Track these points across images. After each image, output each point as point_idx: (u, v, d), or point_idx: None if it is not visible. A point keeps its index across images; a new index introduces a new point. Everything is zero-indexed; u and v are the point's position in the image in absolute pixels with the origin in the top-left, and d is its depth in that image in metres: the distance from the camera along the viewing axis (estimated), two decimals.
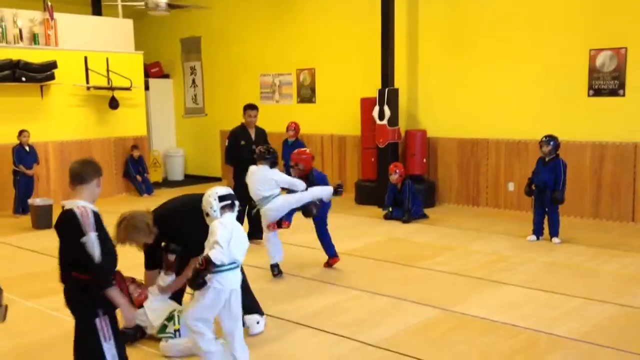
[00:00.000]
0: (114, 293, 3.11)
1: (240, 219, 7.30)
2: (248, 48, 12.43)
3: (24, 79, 9.77)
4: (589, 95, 8.47)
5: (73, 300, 3.16)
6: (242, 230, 3.88)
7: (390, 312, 5.07)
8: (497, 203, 9.41)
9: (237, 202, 3.90)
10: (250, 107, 7.59)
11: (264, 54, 12.21)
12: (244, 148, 7.35)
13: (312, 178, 6.21)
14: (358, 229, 8.32)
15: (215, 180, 12.48)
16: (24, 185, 9.43)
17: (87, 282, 3.06)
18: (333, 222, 8.96)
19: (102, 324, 3.13)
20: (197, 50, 13.47)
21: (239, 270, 3.79)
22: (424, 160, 9.84)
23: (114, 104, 11.03)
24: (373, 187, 9.91)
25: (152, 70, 13.52)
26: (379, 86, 9.73)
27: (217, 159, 12.87)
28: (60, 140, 10.53)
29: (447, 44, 9.71)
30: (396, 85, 9.78)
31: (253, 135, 7.52)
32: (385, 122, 9.59)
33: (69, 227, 3.06)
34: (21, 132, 9.39)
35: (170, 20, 13.20)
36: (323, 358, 4.17)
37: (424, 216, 8.76)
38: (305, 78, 11.72)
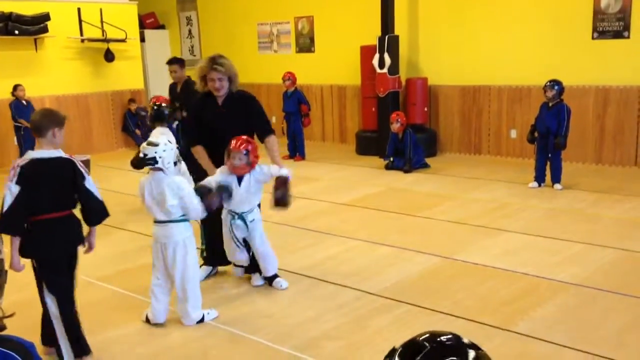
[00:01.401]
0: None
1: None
2: None
3: (17, 32, 9.56)
4: (593, 38, 8.28)
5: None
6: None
7: (391, 261, 5.09)
8: (499, 151, 9.34)
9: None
10: (169, 62, 7.06)
11: (261, 1, 11.91)
12: (175, 107, 6.99)
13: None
14: (359, 179, 8.30)
15: None
16: (29, 139, 9.33)
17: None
18: (334, 173, 9.00)
19: None
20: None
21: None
22: (425, 109, 9.72)
23: (109, 56, 10.84)
24: (374, 137, 9.83)
25: (147, 22, 13.24)
26: (379, 33, 9.52)
27: None
28: (56, 95, 10.40)
29: None
30: (396, 32, 9.56)
31: (178, 91, 7.10)
32: (385, 70, 9.43)
33: None
34: (16, 87, 9.20)
35: None
36: (325, 307, 4.20)
37: (426, 165, 8.72)
38: (303, 26, 11.47)
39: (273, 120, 11.98)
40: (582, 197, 6.86)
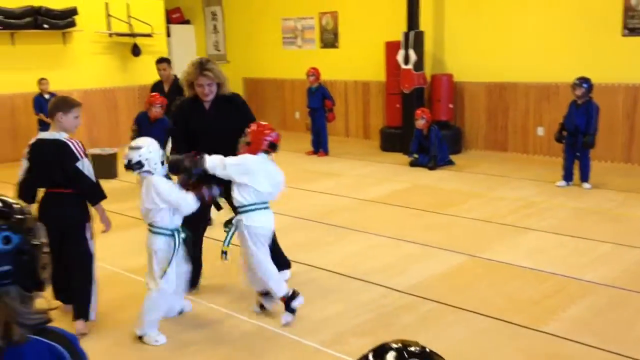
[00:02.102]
0: None
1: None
2: None
3: (46, 25, 9.69)
4: (623, 35, 8.13)
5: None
6: None
7: (416, 258, 5.07)
8: (525, 149, 9.23)
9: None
10: (158, 61, 7.37)
11: None
12: None
13: None
14: (383, 175, 8.27)
15: None
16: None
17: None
18: (358, 169, 8.99)
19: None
20: None
21: None
22: (450, 105, 9.65)
23: (136, 51, 10.94)
24: (398, 134, 9.78)
25: (173, 16, 13.30)
26: (404, 29, 9.46)
27: None
28: (84, 89, 10.51)
29: None
30: (422, 28, 9.49)
31: (167, 90, 7.32)
32: (410, 66, 9.37)
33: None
34: (40, 80, 9.19)
35: None
36: (351, 303, 4.21)
37: (451, 163, 8.65)
38: (328, 22, 11.45)
39: (297, 115, 12.06)
40: (610, 197, 6.76)
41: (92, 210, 3.91)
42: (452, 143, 9.29)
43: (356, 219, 6.27)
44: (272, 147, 3.78)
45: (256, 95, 12.84)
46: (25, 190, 3.81)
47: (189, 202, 3.66)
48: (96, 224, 3.97)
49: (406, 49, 9.35)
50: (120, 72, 11.06)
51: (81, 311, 3.84)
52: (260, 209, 3.77)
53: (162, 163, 3.71)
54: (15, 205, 1.37)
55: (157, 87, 7.42)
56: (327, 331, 3.81)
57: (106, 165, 8.08)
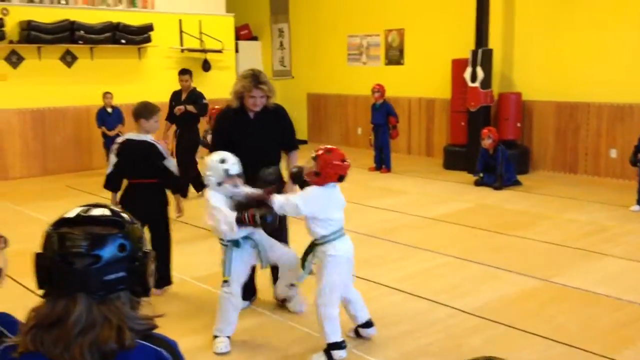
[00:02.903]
0: None
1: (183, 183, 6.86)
2: (336, 9, 12.29)
3: (123, 41, 10.14)
4: None
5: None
6: None
7: (484, 280, 4.98)
8: (596, 171, 8.93)
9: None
10: (182, 72, 8.19)
11: (352, 14, 12.04)
12: (172, 108, 7.93)
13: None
14: (447, 194, 8.18)
15: (300, 142, 12.58)
16: (109, 146, 9.81)
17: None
18: (421, 186, 8.91)
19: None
20: (285, 12, 13.47)
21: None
22: (518, 124, 9.46)
23: (206, 66, 11.29)
24: (462, 152, 9.66)
25: (242, 33, 13.65)
26: (472, 47, 9.37)
27: (302, 122, 12.93)
28: (158, 102, 10.87)
29: None
30: (490, 46, 9.39)
31: (183, 98, 8.01)
32: (477, 84, 9.27)
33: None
34: (105, 94, 9.56)
35: None
36: (418, 323, 4.17)
37: (517, 183, 8.47)
38: (393, 39, 11.48)
39: (359, 131, 12.10)
40: None
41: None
42: (519, 163, 9.09)
43: (420, 237, 6.22)
44: (340, 179, 3.63)
45: (319, 111, 12.98)
46: (112, 181, 4.58)
47: (225, 222, 3.62)
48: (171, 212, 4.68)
49: (474, 66, 9.25)
50: None
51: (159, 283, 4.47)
52: (341, 236, 3.66)
53: (219, 184, 3.69)
54: (126, 215, 1.45)
55: (176, 95, 8.12)
56: (394, 350, 3.79)
57: None
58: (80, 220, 1.40)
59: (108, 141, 9.72)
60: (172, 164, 4.51)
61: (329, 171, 3.54)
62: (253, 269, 4.17)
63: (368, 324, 3.90)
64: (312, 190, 3.60)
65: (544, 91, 9.33)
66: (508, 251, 5.70)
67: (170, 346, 1.43)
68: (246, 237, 3.81)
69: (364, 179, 9.14)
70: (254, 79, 4.07)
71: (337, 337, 3.62)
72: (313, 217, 3.59)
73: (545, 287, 4.78)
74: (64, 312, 1.34)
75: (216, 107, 7.35)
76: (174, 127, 8.07)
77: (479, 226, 6.52)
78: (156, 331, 1.44)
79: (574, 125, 9.12)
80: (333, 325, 3.61)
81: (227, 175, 3.69)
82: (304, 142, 12.57)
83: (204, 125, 8.27)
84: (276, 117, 4.28)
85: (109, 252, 1.35)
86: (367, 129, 10.76)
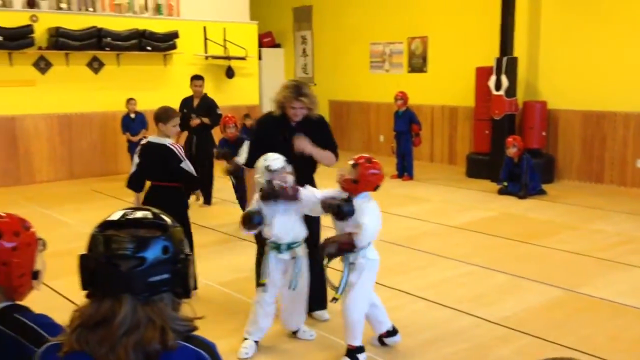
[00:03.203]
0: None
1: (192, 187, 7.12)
2: (359, 16, 12.33)
3: (149, 48, 10.29)
4: None
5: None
6: None
7: (509, 289, 4.94)
8: (623, 181, 8.81)
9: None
10: (195, 78, 8.04)
11: (375, 22, 12.06)
12: (185, 116, 7.63)
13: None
14: (470, 202, 8.13)
15: None
16: (133, 151, 9.92)
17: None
18: (444, 194, 8.87)
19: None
20: (308, 19, 13.55)
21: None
22: (543, 133, 9.38)
23: (230, 73, 11.39)
24: (485, 160, 9.61)
25: (265, 40, 13.77)
26: (496, 54, 9.33)
27: None
28: None
29: (575, 6, 9.07)
30: (515, 54, 9.34)
31: (195, 105, 7.90)
32: (502, 92, 9.22)
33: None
34: (128, 100, 9.67)
35: None
36: (443, 331, 4.15)
37: (542, 192, 8.39)
38: (417, 47, 11.47)
39: (381, 139, 12.10)
40: None
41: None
42: (544, 172, 9.01)
43: (444, 245, 6.19)
44: (376, 189, 3.67)
45: (341, 118, 13.01)
46: (135, 181, 4.73)
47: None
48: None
49: (498, 74, 9.21)
50: (214, 92, 11.43)
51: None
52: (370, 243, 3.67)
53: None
54: (167, 218, 1.48)
55: (187, 102, 8.00)
56: (421, 357, 3.77)
57: None
58: (125, 223, 1.43)
59: (132, 146, 9.86)
60: (188, 165, 4.62)
61: (367, 180, 3.55)
62: None
63: (393, 332, 3.89)
64: (370, 205, 3.58)
65: (570, 100, 9.24)
66: (533, 261, 5.65)
67: (210, 348, 1.45)
68: (289, 247, 3.73)
69: (386, 187, 8.96)
70: (295, 90, 4.02)
71: (360, 342, 3.65)
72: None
73: (571, 298, 4.73)
74: (110, 313, 1.36)
75: (229, 115, 7.27)
76: (184, 134, 7.87)
77: (503, 235, 6.47)
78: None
79: (600, 135, 9.02)
80: (359, 329, 3.64)
81: (269, 170, 3.60)
82: None
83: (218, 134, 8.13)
84: (317, 127, 4.22)
85: (153, 254, 1.38)
86: (389, 137, 10.76)
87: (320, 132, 4.26)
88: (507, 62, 9.16)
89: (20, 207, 7.62)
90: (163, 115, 4.70)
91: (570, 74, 9.21)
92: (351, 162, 3.61)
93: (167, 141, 4.64)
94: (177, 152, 4.62)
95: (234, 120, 7.07)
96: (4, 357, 1.72)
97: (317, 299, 4.24)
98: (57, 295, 4.61)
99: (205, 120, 7.77)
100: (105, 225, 1.43)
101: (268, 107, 14.37)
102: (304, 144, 4.04)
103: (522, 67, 9.53)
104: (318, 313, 4.35)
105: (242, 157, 6.01)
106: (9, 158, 9.57)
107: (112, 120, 10.33)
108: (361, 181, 3.54)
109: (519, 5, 9.28)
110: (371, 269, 3.64)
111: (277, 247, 3.73)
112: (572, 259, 5.70)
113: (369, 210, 3.56)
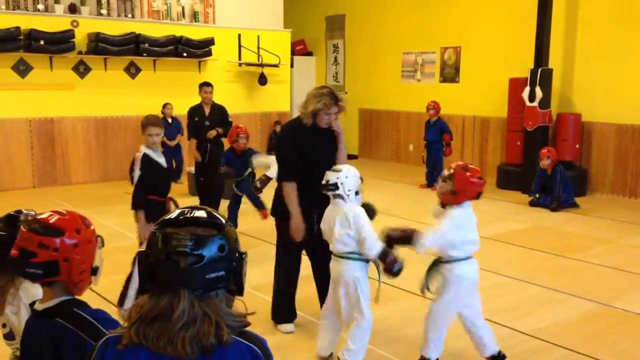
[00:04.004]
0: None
1: (208, 197, 7.05)
2: (392, 26, 12.37)
3: (185, 54, 10.46)
4: None
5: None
6: None
7: (542, 302, 4.90)
8: None
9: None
10: (206, 84, 7.70)
11: (407, 31, 12.08)
12: (197, 124, 7.44)
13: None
14: (501, 213, 8.07)
15: (350, 157, 12.65)
16: (170, 155, 10.14)
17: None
18: (474, 205, 8.72)
19: None
20: (341, 28, 13.63)
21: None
22: (577, 145, 9.27)
23: (262, 80, 11.52)
24: (517, 172, 9.53)
25: (297, 48, 13.88)
26: (530, 66, 9.27)
27: (354, 137, 12.99)
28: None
29: (612, 18, 8.97)
30: (550, 65, 9.26)
31: (207, 112, 7.57)
32: (535, 104, 9.15)
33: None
34: (165, 105, 9.89)
35: None
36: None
37: (575, 205, 8.29)
38: (449, 57, 11.45)
39: (410, 148, 12.09)
40: None
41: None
42: (577, 185, 8.90)
43: (475, 256, 6.13)
44: (478, 197, 3.48)
45: (371, 126, 13.03)
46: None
47: (375, 247, 3.46)
48: None
49: (532, 86, 9.14)
50: (246, 99, 11.68)
51: None
52: (468, 258, 3.53)
53: (357, 193, 3.58)
54: (222, 218, 1.53)
55: (198, 110, 7.57)
56: None
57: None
58: (183, 222, 1.49)
59: (167, 150, 10.05)
60: (136, 176, 4.46)
61: (468, 189, 3.41)
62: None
63: (498, 357, 3.69)
64: (453, 214, 3.43)
65: (605, 113, 9.13)
66: (567, 274, 5.59)
67: (261, 343, 1.50)
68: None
69: (415, 196, 9.11)
70: (333, 95, 3.99)
71: (433, 356, 3.56)
72: (451, 242, 3.42)
73: (606, 312, 4.67)
74: (168, 307, 1.42)
75: (241, 125, 7.17)
76: (193, 142, 7.63)
77: (535, 247, 6.42)
78: None
79: (635, 148, 8.88)
80: (432, 345, 3.55)
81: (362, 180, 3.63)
82: (355, 157, 12.64)
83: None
84: (337, 134, 4.22)
85: (210, 252, 1.44)
86: (418, 146, 10.75)
87: (340, 138, 4.23)
88: (541, 73, 9.09)
89: (56, 207, 7.79)
90: (143, 122, 4.60)
91: (605, 87, 9.10)
92: (447, 172, 3.49)
93: (142, 149, 4.53)
94: (135, 159, 4.49)
95: (247, 132, 6.94)
96: (63, 349, 1.79)
97: None
98: (93, 293, 4.71)
99: (220, 130, 7.50)
100: (164, 224, 1.49)
101: (298, 114, 14.39)
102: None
103: (557, 79, 9.44)
104: None
105: (272, 170, 6.05)
106: (46, 159, 9.82)
107: None
108: (460, 191, 3.41)
109: (555, 16, 9.20)
110: (458, 288, 3.47)
111: (367, 260, 3.62)
112: (606, 273, 5.63)
113: (452, 218, 3.41)
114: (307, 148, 4.08)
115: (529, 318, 4.52)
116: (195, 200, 7.81)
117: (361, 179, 3.64)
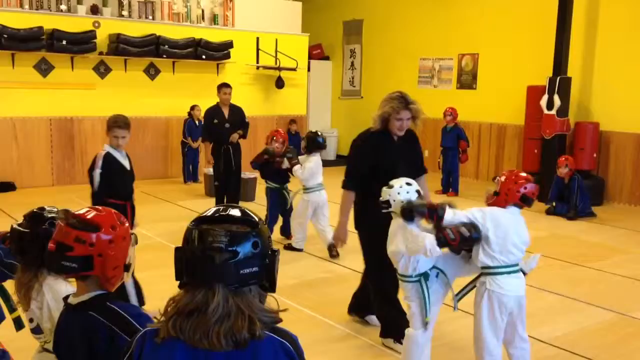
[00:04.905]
0: None
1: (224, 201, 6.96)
2: (409, 32, 12.38)
3: (204, 56, 10.55)
4: None
5: None
6: None
7: (560, 310, 4.88)
8: None
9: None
10: (225, 85, 7.61)
11: (425, 37, 12.09)
12: (217, 126, 7.37)
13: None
14: None
15: None
16: (191, 157, 10.23)
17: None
18: None
19: None
20: (358, 33, 13.67)
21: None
22: (594, 155, 9.22)
23: (279, 83, 11.58)
24: (534, 180, 9.46)
25: (314, 52, 13.93)
26: (549, 74, 9.24)
27: None
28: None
29: (632, 27, 8.93)
30: (569, 74, 9.23)
31: (226, 114, 7.50)
32: (554, 112, 9.11)
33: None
34: (193, 107, 10.00)
35: (335, 3, 13.53)
36: None
37: (592, 214, 8.24)
38: (467, 63, 11.44)
39: (426, 154, 12.06)
40: None
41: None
42: (594, 194, 8.84)
43: None
44: (525, 201, 3.33)
45: None
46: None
47: (432, 244, 3.15)
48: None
49: (551, 94, 9.11)
50: (263, 102, 11.75)
51: None
52: (510, 272, 3.26)
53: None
54: (256, 216, 1.57)
55: (216, 111, 7.44)
56: None
57: (249, 189, 8.78)
58: (218, 219, 1.52)
59: (190, 152, 10.16)
60: (97, 176, 4.24)
61: (510, 189, 3.30)
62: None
63: None
64: (489, 207, 3.33)
65: (624, 122, 9.07)
66: (584, 283, 5.57)
67: (293, 339, 1.53)
68: (432, 266, 3.40)
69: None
70: (403, 100, 3.87)
71: None
72: (485, 237, 3.22)
73: (624, 322, 4.64)
74: (203, 302, 1.45)
75: (279, 130, 7.13)
76: (206, 144, 7.67)
77: (553, 256, 6.38)
78: None
79: None
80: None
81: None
82: None
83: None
84: (412, 140, 4.13)
85: (244, 248, 1.47)
86: (433, 152, 10.74)
87: (415, 144, 4.16)
88: (560, 81, 9.05)
89: (75, 205, 7.85)
90: (107, 123, 4.40)
91: (624, 96, 9.05)
92: (498, 177, 3.46)
93: (105, 148, 4.36)
94: (97, 158, 4.31)
95: (283, 136, 6.68)
96: (96, 343, 1.83)
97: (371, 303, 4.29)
98: None
99: (241, 132, 7.51)
100: (200, 220, 1.53)
101: (314, 118, 14.50)
102: None
103: (575, 88, 9.40)
104: (372, 317, 4.41)
105: (299, 171, 6.16)
106: (65, 157, 9.93)
107: (165, 126, 10.63)
108: (501, 193, 3.34)
109: (574, 25, 9.17)
110: (492, 303, 3.27)
111: (425, 275, 3.40)
112: (624, 282, 5.59)
113: (491, 212, 3.26)
114: (379, 155, 3.97)
115: (546, 326, 4.51)
116: (210, 202, 7.85)
117: (418, 192, 3.39)
